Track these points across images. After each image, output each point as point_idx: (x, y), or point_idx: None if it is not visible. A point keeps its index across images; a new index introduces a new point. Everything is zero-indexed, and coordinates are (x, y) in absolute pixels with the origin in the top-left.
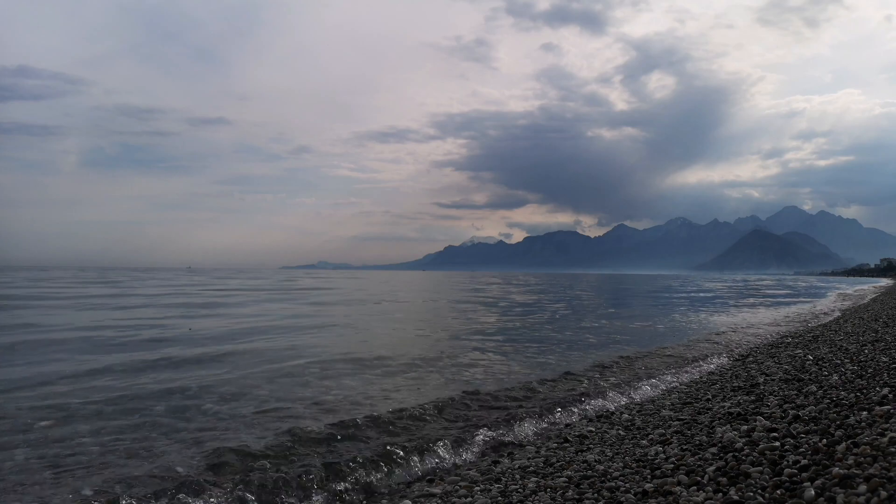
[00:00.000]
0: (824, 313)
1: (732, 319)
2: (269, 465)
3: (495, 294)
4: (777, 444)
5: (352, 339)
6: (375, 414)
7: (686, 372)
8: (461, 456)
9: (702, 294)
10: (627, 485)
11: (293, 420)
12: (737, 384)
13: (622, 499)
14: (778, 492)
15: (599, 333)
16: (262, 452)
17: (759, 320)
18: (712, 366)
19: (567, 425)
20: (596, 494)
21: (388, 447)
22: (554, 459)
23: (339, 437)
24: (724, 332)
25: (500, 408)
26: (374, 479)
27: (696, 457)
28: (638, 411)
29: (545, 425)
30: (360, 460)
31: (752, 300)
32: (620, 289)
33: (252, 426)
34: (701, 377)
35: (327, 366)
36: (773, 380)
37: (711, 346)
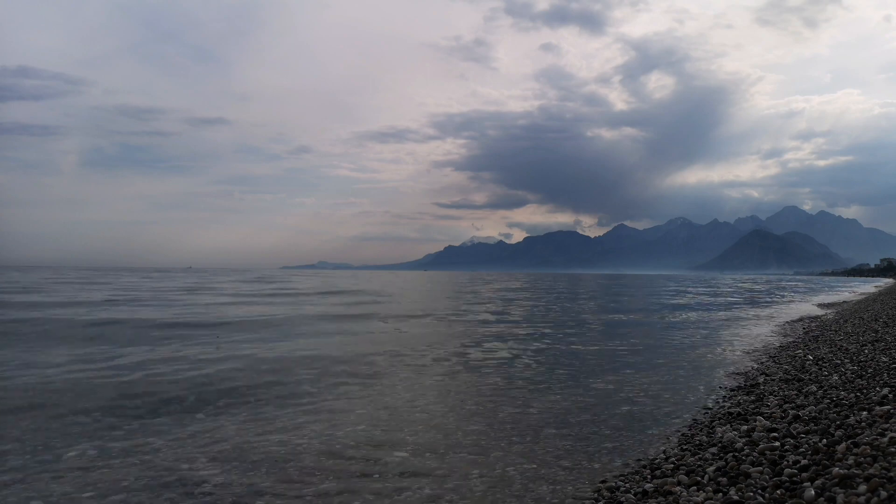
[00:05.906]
0: (823, 314)
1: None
2: None
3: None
4: (777, 444)
5: None
6: None
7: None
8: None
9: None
10: (627, 485)
11: None
12: (737, 384)
13: (622, 499)
14: (778, 492)
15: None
16: None
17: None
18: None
19: None
20: (596, 494)
21: None
22: None
23: None
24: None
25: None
26: None
27: (696, 457)
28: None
29: None
30: None
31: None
32: (625, 296)
33: None
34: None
35: None
36: (773, 380)
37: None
